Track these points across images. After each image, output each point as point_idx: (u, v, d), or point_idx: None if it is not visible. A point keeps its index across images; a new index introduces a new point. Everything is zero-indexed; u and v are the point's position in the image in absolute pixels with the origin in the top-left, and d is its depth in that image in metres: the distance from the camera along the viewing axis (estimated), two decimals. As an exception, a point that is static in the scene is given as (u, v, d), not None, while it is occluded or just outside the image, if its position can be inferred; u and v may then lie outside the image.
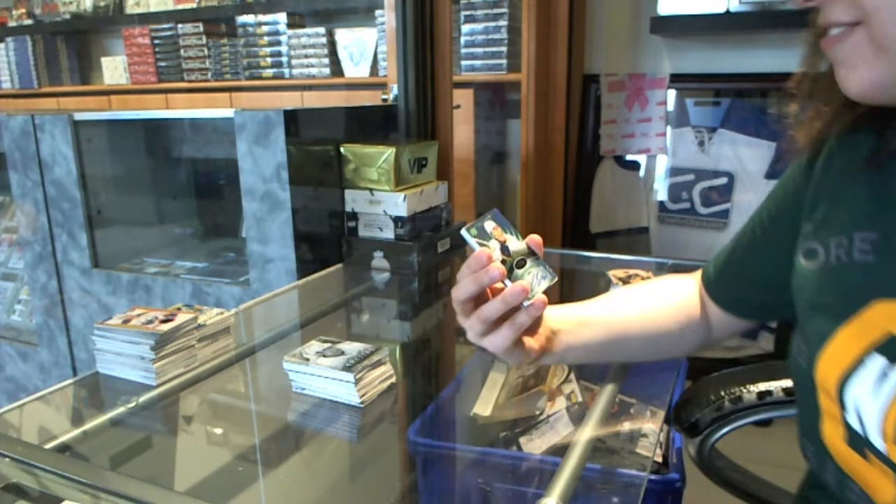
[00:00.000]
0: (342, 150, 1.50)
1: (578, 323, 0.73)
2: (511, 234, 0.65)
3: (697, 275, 0.82)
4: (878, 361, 0.51)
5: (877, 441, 0.52)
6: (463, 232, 0.65)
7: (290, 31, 2.88)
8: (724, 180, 2.18)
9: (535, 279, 0.62)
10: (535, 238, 0.66)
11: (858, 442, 0.54)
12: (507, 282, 0.62)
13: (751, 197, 2.14)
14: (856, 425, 0.53)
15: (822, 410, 0.57)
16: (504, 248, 0.64)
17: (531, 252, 0.65)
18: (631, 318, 0.76)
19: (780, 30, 1.97)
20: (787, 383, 0.84)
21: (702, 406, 0.91)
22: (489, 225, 0.65)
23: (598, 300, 0.78)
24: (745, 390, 0.88)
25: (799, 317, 0.62)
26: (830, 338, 0.56)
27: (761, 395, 0.88)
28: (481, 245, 0.64)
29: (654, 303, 0.79)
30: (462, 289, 0.63)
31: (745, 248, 0.75)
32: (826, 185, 0.62)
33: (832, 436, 0.57)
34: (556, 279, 0.64)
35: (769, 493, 0.91)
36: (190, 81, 3.20)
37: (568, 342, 0.71)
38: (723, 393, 0.89)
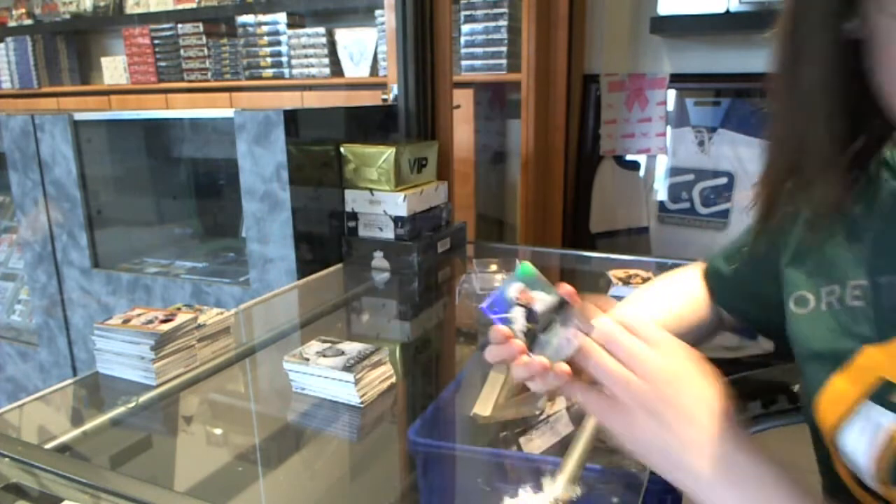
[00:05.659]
0: (342, 150, 1.50)
1: None
2: (540, 289, 0.60)
3: (700, 268, 0.82)
4: (871, 409, 0.51)
5: (872, 484, 0.52)
6: (482, 307, 0.61)
7: (290, 31, 2.88)
8: (724, 180, 2.18)
9: (560, 347, 0.58)
10: (566, 288, 0.60)
11: (861, 482, 0.54)
12: (531, 354, 0.58)
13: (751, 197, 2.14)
14: (854, 468, 0.54)
15: (831, 450, 0.57)
16: (530, 314, 0.60)
17: (562, 305, 0.59)
18: (662, 321, 0.75)
19: (780, 30, 1.97)
20: (792, 390, 0.84)
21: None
22: (514, 289, 0.60)
23: (628, 306, 0.77)
24: (749, 399, 0.87)
25: (797, 361, 0.61)
26: (825, 385, 0.55)
27: (766, 403, 0.88)
28: (503, 318, 0.60)
29: (679, 303, 0.79)
30: (490, 358, 0.60)
31: (743, 261, 0.74)
32: (810, 234, 0.61)
33: (844, 474, 0.57)
34: (578, 345, 0.57)
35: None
36: (190, 81, 3.20)
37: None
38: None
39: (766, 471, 0.48)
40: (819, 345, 0.58)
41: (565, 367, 0.57)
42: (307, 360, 0.90)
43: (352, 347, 0.93)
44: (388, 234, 1.48)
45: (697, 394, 0.51)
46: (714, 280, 0.79)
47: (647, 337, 0.53)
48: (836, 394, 0.54)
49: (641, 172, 2.34)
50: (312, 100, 2.85)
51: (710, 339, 0.81)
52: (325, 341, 0.95)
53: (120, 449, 0.82)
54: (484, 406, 0.78)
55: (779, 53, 0.53)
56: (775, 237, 0.65)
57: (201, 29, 3.13)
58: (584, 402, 0.55)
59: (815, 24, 0.50)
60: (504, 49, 2.27)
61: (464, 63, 2.32)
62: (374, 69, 2.78)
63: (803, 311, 0.60)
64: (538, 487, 0.65)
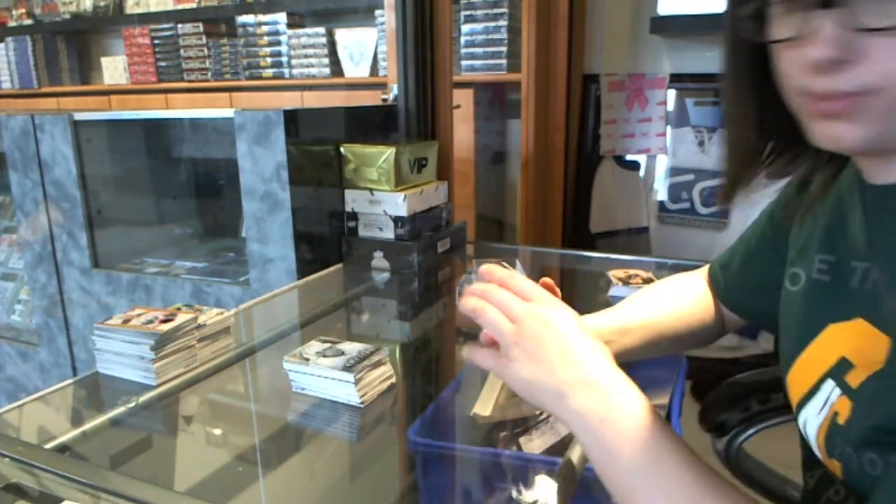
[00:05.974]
0: (342, 150, 1.50)
1: (619, 331, 0.73)
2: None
3: (705, 271, 0.83)
4: (828, 386, 0.52)
5: (819, 454, 0.53)
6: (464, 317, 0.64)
7: (290, 31, 2.88)
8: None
9: None
10: (546, 282, 0.65)
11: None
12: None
13: (751, 197, 2.14)
14: (807, 442, 0.55)
15: None
16: None
17: None
18: (665, 318, 0.77)
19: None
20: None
21: (729, 407, 0.90)
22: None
23: (631, 303, 0.79)
24: (772, 391, 0.87)
25: (779, 343, 0.62)
26: (794, 363, 0.56)
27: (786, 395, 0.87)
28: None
29: (683, 301, 0.80)
30: (466, 355, 0.63)
31: (748, 252, 0.75)
32: (814, 208, 0.62)
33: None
34: None
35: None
36: (190, 81, 3.20)
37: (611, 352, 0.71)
38: (750, 393, 0.88)
39: (639, 410, 0.52)
40: (792, 322, 0.59)
41: None
42: (307, 360, 0.90)
43: (352, 347, 0.93)
44: (388, 234, 1.48)
45: (567, 334, 0.56)
46: (718, 276, 0.80)
47: (520, 290, 0.59)
48: (802, 372, 0.55)
49: (641, 172, 2.34)
50: (312, 100, 2.85)
51: (713, 342, 0.82)
52: (325, 341, 0.95)
53: (120, 449, 0.82)
54: (484, 406, 0.78)
55: (720, 63, 0.57)
56: (788, 215, 0.67)
57: (201, 29, 3.13)
58: (476, 360, 0.61)
59: (738, 36, 0.53)
60: (504, 49, 2.27)
61: (464, 63, 2.32)
62: (374, 69, 2.78)
63: (795, 289, 0.61)
64: (536, 487, 0.65)
